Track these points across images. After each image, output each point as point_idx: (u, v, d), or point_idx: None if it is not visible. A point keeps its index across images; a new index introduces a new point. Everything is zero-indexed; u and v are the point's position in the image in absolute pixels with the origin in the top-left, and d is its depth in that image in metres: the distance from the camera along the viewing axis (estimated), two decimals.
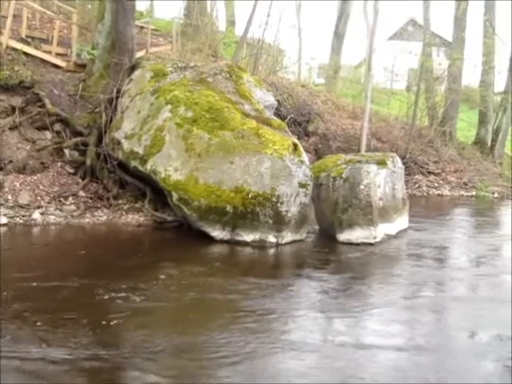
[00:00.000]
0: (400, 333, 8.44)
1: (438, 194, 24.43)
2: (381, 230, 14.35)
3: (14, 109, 16.77)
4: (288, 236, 13.66)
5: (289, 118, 20.98)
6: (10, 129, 16.52)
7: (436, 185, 25.21)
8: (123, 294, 9.32)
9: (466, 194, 25.00)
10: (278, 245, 13.45)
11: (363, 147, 22.61)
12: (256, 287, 10.17)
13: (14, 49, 17.97)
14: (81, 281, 10.06)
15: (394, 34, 50.65)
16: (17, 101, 16.93)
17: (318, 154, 22.14)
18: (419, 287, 10.75)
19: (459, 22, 30.51)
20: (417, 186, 24.55)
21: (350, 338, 8.13)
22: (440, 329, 8.87)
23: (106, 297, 9.24)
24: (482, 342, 8.24)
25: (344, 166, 14.66)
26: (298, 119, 22.98)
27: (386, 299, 9.90)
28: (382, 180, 14.66)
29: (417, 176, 25.22)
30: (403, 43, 40.57)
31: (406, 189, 17.92)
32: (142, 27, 23.08)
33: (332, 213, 14.42)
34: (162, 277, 10.56)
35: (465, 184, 25.94)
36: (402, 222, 15.57)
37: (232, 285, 10.30)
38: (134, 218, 15.46)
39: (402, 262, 12.92)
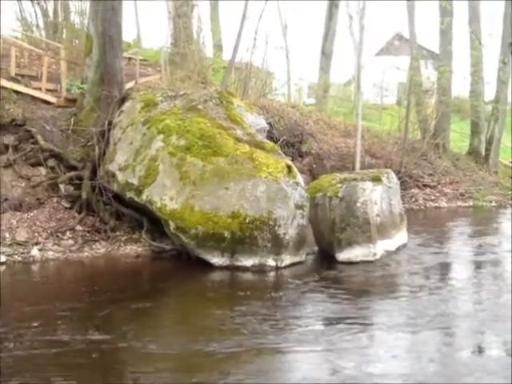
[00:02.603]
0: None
1: (436, 207, 24.40)
2: (380, 247, 14.37)
3: (7, 147, 16.78)
4: (287, 259, 13.66)
5: (281, 139, 21.03)
6: (5, 167, 16.52)
7: (433, 197, 25.20)
8: (133, 343, 9.08)
9: (463, 204, 24.99)
10: (277, 268, 13.44)
11: (357, 165, 22.63)
12: (260, 319, 10.05)
13: (4, 87, 17.97)
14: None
15: (381, 49, 50.91)
16: (9, 139, 16.93)
17: (312, 175, 22.14)
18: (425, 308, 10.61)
19: (445, 35, 30.65)
20: (413, 199, 24.54)
21: None
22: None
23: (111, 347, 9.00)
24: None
25: (339, 185, 14.68)
26: (291, 140, 23.01)
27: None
28: (378, 196, 14.69)
29: (413, 190, 25.20)
30: (391, 58, 40.76)
31: (403, 203, 17.98)
32: (130, 58, 23.13)
33: (330, 232, 14.43)
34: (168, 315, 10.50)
35: (461, 195, 25.93)
36: (400, 237, 15.56)
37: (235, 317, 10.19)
38: (132, 248, 15.42)
39: (404, 281, 12.84)
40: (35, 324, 9.70)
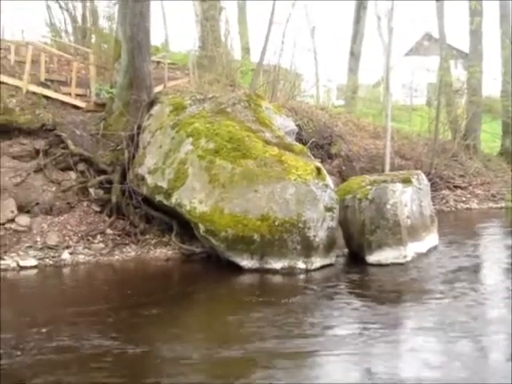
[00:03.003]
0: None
1: (467, 208, 24.17)
2: (411, 249, 14.26)
3: (37, 152, 16.96)
4: (317, 261, 13.60)
5: (310, 141, 20.96)
6: (35, 171, 16.68)
7: (463, 199, 24.97)
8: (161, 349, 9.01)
9: (494, 206, 24.71)
10: (307, 271, 13.39)
11: (387, 166, 22.49)
12: (292, 323, 9.92)
13: (34, 93, 18.18)
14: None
15: (410, 49, 50.56)
16: (40, 144, 17.11)
17: (342, 176, 22.04)
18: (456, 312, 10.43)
19: (475, 35, 30.40)
20: (444, 201, 24.33)
21: None
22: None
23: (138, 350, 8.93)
24: None
25: (369, 186, 14.60)
26: (320, 142, 22.94)
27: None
28: (408, 198, 14.59)
29: (443, 191, 24.98)
30: (420, 58, 40.45)
31: (433, 205, 17.79)
32: (158, 62, 23.19)
33: (360, 235, 14.35)
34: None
35: (493, 196, 25.65)
36: (431, 239, 15.44)
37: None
38: (162, 252, 15.47)
39: (435, 284, 12.59)
40: (64, 327, 9.73)
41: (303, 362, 8.34)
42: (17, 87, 18.21)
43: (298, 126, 19.45)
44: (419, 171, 17.03)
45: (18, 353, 8.57)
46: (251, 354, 8.55)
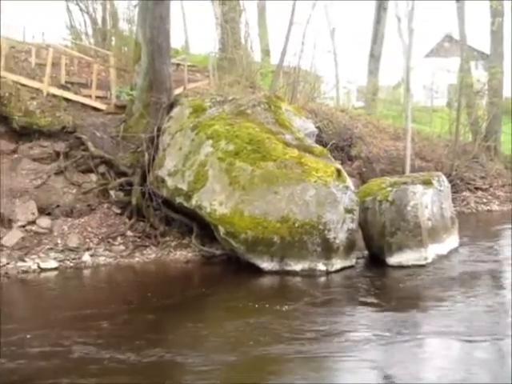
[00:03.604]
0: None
1: (488, 210, 24.00)
2: (431, 251, 14.18)
3: (58, 154, 17.05)
4: (337, 263, 13.57)
5: (330, 143, 20.89)
6: (56, 174, 16.78)
7: (484, 200, 24.79)
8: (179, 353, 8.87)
9: None
10: (328, 273, 13.36)
11: (407, 168, 22.38)
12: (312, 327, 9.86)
13: (55, 95, 18.28)
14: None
15: (430, 50, 50.36)
16: (60, 146, 17.19)
17: (362, 178, 21.97)
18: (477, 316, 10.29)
19: (496, 36, 30.17)
20: (465, 202, 24.18)
21: None
22: None
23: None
24: None
25: (389, 188, 14.54)
26: (340, 144, 22.88)
27: None
28: (429, 200, 14.52)
29: (464, 193, 24.83)
30: (440, 59, 40.28)
31: (454, 206, 17.71)
32: (178, 64, 23.21)
33: (380, 237, 14.28)
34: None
35: None
36: (452, 241, 15.36)
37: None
38: (182, 254, 15.49)
39: (457, 286, 12.42)
40: (78, 330, 9.75)
41: (323, 365, 8.30)
42: (37, 90, 18.33)
43: (317, 127, 19.39)
44: (440, 173, 16.93)
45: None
46: (281, 355, 8.54)
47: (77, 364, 8.27)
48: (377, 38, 35.06)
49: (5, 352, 8.64)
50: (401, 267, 13.75)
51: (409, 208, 14.06)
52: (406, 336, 9.13)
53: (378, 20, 34.97)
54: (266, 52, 34.39)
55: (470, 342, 9.01)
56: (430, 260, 13.99)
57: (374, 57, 35.39)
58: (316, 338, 9.15)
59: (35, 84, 18.51)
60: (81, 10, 27.66)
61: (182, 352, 8.70)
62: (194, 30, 43.79)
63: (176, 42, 29.31)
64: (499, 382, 7.45)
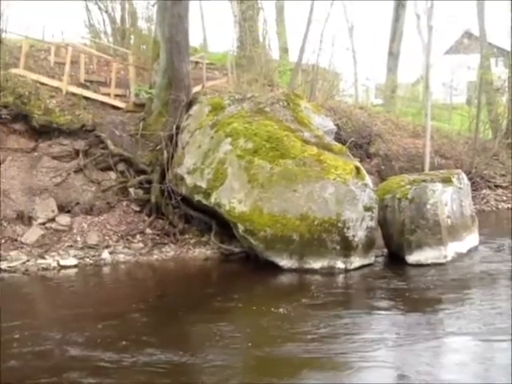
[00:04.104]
0: None
1: (508, 208, 23.82)
2: (451, 249, 14.12)
3: (77, 152, 17.11)
4: (356, 261, 13.54)
5: (349, 141, 20.86)
6: (75, 172, 16.84)
7: (505, 198, 24.64)
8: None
9: None
10: (346, 270, 13.34)
11: (427, 165, 22.32)
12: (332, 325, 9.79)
13: (74, 94, 18.33)
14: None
15: (449, 47, 50.14)
16: (80, 144, 17.25)
17: (381, 176, 21.93)
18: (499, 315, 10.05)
19: None
20: (485, 200, 24.05)
21: None
22: None
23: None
24: None
25: (409, 186, 14.49)
26: (359, 142, 22.84)
27: None
28: (448, 198, 14.46)
29: (484, 191, 24.70)
30: (460, 56, 40.09)
31: (474, 204, 17.63)
32: (196, 62, 23.25)
33: (399, 234, 14.24)
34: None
35: None
36: (471, 239, 15.28)
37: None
38: (201, 251, 15.51)
39: (477, 285, 12.36)
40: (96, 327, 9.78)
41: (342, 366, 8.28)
42: (57, 88, 18.40)
43: (336, 125, 19.37)
44: (459, 170, 16.87)
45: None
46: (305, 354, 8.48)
47: (89, 362, 8.29)
48: (395, 35, 34.93)
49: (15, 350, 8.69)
50: (420, 265, 13.70)
51: (428, 206, 14.00)
52: (427, 336, 9.03)
53: (397, 17, 34.84)
54: (284, 50, 34.35)
55: (489, 341, 8.90)
56: (449, 258, 13.93)
57: (393, 54, 35.26)
58: (335, 337, 9.10)
59: (54, 83, 18.59)
60: (100, 8, 27.76)
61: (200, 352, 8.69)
62: (212, 28, 43.88)
63: (194, 40, 29.40)
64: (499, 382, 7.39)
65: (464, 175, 16.00)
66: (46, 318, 10.72)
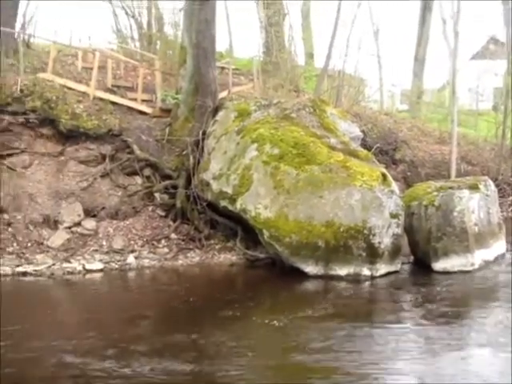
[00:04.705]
0: None
1: None
2: (478, 257, 14.02)
3: (104, 157, 17.19)
4: (382, 268, 13.48)
5: (375, 147, 20.78)
6: (102, 176, 16.93)
7: None
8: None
9: None
10: (372, 277, 13.29)
11: (453, 172, 22.17)
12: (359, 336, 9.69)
13: (101, 98, 18.40)
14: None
15: (476, 53, 49.85)
16: (106, 149, 17.32)
17: (406, 182, 21.81)
18: None
19: None
20: None
21: None
22: None
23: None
24: None
25: (435, 193, 14.42)
26: (385, 148, 22.73)
27: None
28: (475, 205, 14.36)
29: (511, 197, 24.48)
30: (486, 62, 39.84)
31: (501, 211, 17.44)
32: (222, 68, 23.28)
33: (426, 242, 14.18)
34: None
35: None
36: (499, 246, 15.14)
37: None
38: (226, 257, 15.52)
39: (505, 294, 11.98)
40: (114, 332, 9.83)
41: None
42: (84, 93, 18.45)
43: (362, 131, 19.29)
44: (486, 177, 16.73)
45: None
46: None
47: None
48: (421, 40, 34.74)
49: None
50: (447, 273, 13.62)
51: (455, 213, 13.92)
52: (453, 347, 8.92)
53: (423, 22, 34.66)
54: (309, 55, 34.35)
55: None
56: (476, 266, 13.83)
57: (419, 59, 35.07)
58: (361, 349, 9.02)
59: (82, 87, 18.67)
60: (127, 14, 27.93)
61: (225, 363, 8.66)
62: (238, 34, 43.91)
63: (220, 45, 29.44)
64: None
65: (491, 182, 15.88)
66: (67, 322, 10.76)
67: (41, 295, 12.69)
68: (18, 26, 21.50)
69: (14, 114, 16.85)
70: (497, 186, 18.15)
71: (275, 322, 10.20)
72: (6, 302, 11.38)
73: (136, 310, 11.08)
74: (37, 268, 14.06)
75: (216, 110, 17.46)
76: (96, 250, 15.22)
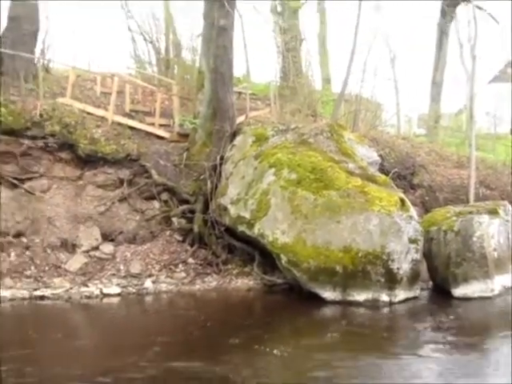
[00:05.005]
0: None
1: None
2: (498, 283, 13.97)
3: (122, 181, 17.27)
4: (401, 294, 13.42)
5: (392, 172, 20.71)
6: (120, 201, 17.00)
7: None
8: None
9: None
10: (391, 303, 13.22)
11: (471, 197, 22.02)
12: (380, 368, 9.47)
13: (120, 123, 18.50)
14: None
15: (493, 77, 49.73)
16: (124, 173, 17.39)
17: (425, 207, 21.67)
18: None
19: None
20: None
21: None
22: None
23: None
24: None
25: (454, 218, 14.37)
26: (402, 173, 22.62)
27: None
28: (495, 230, 14.31)
29: None
30: (504, 85, 39.72)
31: None
32: (240, 93, 23.35)
33: (445, 267, 14.13)
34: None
35: None
36: None
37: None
38: (243, 282, 15.51)
39: None
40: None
41: None
42: (102, 118, 18.58)
43: (379, 156, 19.26)
44: (505, 202, 16.63)
45: None
46: None
47: None
48: (439, 64, 34.71)
49: None
50: (466, 299, 13.54)
51: (475, 238, 13.87)
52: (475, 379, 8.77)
53: (440, 46, 34.65)
54: (326, 80, 34.38)
55: None
56: (496, 292, 13.76)
57: (436, 83, 34.99)
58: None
59: (100, 112, 18.79)
60: (145, 39, 28.07)
61: None
62: (255, 59, 44.00)
63: (237, 70, 29.54)
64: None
65: (510, 206, 15.77)
66: (80, 347, 10.70)
67: (57, 319, 12.71)
68: (37, 51, 21.67)
69: (34, 138, 16.96)
70: None
71: (287, 349, 10.11)
72: (21, 326, 11.42)
73: (152, 336, 10.96)
74: (54, 292, 14.11)
75: (234, 135, 17.55)
76: (113, 274, 15.26)
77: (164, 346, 10.34)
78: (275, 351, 9.91)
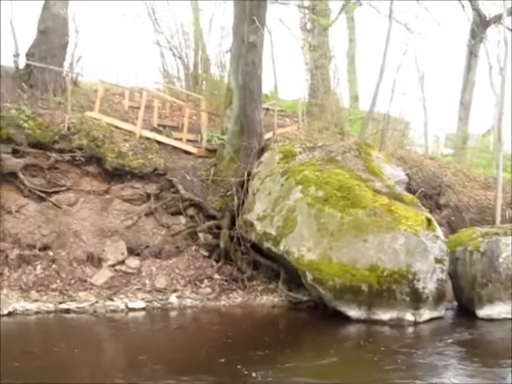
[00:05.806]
0: None
1: None
2: None
3: (148, 196, 17.36)
4: (426, 313, 13.38)
5: (419, 191, 20.65)
6: (146, 215, 17.08)
7: None
8: None
9: None
10: (416, 323, 13.18)
11: (498, 218, 21.90)
12: None
13: (147, 138, 18.62)
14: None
15: None
16: (151, 188, 17.49)
17: (451, 227, 21.58)
18: None
19: None
20: None
21: None
22: None
23: None
24: None
25: (480, 239, 14.29)
26: (429, 192, 22.55)
27: None
28: None
29: None
30: None
31: None
32: (267, 109, 23.45)
33: (470, 288, 14.06)
34: None
35: None
36: None
37: None
38: (268, 299, 15.50)
39: None
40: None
41: None
42: (130, 132, 18.71)
43: (407, 175, 19.23)
44: None
45: None
46: None
47: None
48: (467, 85, 34.60)
49: None
50: (491, 320, 13.45)
51: (501, 260, 13.82)
52: None
53: (469, 68, 34.55)
54: (354, 98, 34.39)
55: None
56: None
57: (464, 104, 34.89)
58: None
59: (128, 126, 18.93)
60: (174, 55, 28.30)
61: None
62: (283, 75, 44.16)
63: (266, 86, 29.65)
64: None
65: None
66: (103, 361, 10.73)
67: (81, 333, 12.72)
68: (66, 64, 21.91)
69: (61, 151, 17.15)
70: None
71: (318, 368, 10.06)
72: (45, 339, 11.48)
73: (176, 351, 11.01)
74: (80, 305, 14.17)
75: (261, 152, 17.59)
76: (139, 289, 15.28)
77: (184, 362, 10.32)
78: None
